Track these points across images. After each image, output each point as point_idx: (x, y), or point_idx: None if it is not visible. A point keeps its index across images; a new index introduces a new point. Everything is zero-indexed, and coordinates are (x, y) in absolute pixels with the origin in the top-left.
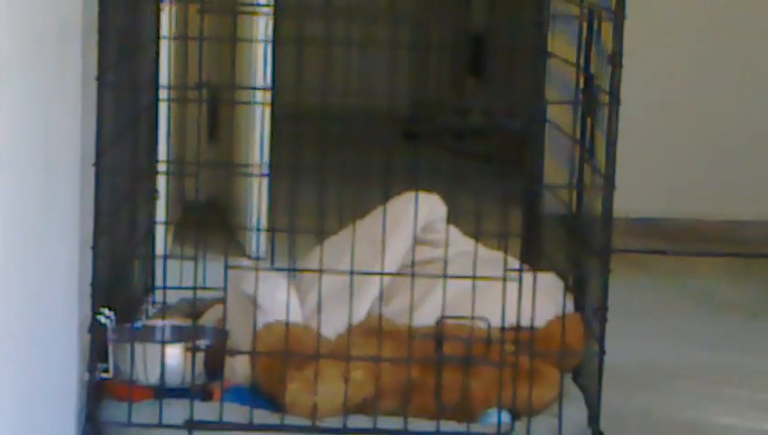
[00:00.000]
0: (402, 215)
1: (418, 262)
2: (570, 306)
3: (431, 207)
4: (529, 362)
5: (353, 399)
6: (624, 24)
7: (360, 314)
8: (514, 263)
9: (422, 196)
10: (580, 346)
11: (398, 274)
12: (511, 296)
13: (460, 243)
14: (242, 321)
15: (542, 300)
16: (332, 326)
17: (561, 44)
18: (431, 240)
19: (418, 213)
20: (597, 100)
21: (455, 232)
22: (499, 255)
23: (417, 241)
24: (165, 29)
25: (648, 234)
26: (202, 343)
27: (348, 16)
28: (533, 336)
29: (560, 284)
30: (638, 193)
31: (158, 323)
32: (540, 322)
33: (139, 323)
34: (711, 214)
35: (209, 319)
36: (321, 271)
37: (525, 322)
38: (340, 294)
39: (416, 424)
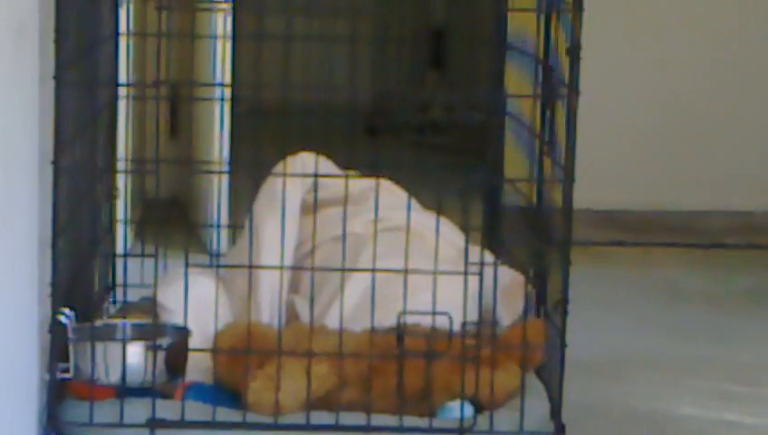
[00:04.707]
0: (278, 195)
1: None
2: (531, 305)
3: (303, 166)
4: (490, 353)
5: (317, 392)
6: (582, 15)
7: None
8: (476, 251)
9: (291, 159)
10: (541, 355)
11: (363, 269)
12: (471, 290)
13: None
14: (201, 319)
15: (500, 304)
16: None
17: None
18: (328, 199)
19: (296, 183)
20: (556, 92)
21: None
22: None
23: (321, 205)
24: (123, 26)
25: (609, 225)
26: (163, 341)
27: (307, 11)
28: (495, 337)
29: (521, 281)
30: (598, 185)
31: (119, 321)
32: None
33: (99, 323)
34: (672, 204)
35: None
36: (250, 267)
37: (486, 319)
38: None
39: (378, 419)
